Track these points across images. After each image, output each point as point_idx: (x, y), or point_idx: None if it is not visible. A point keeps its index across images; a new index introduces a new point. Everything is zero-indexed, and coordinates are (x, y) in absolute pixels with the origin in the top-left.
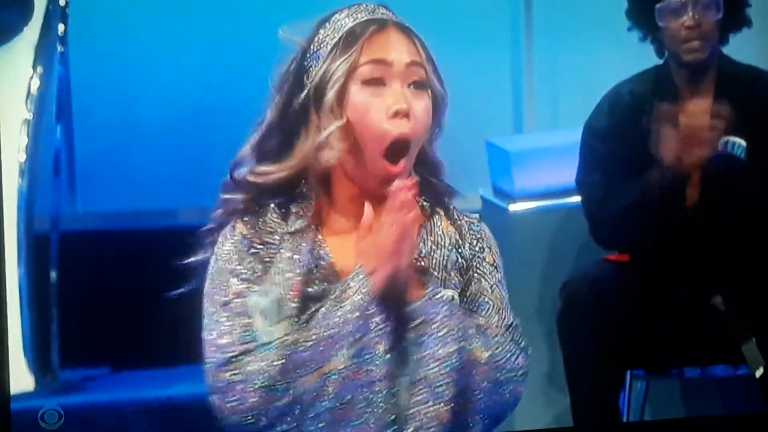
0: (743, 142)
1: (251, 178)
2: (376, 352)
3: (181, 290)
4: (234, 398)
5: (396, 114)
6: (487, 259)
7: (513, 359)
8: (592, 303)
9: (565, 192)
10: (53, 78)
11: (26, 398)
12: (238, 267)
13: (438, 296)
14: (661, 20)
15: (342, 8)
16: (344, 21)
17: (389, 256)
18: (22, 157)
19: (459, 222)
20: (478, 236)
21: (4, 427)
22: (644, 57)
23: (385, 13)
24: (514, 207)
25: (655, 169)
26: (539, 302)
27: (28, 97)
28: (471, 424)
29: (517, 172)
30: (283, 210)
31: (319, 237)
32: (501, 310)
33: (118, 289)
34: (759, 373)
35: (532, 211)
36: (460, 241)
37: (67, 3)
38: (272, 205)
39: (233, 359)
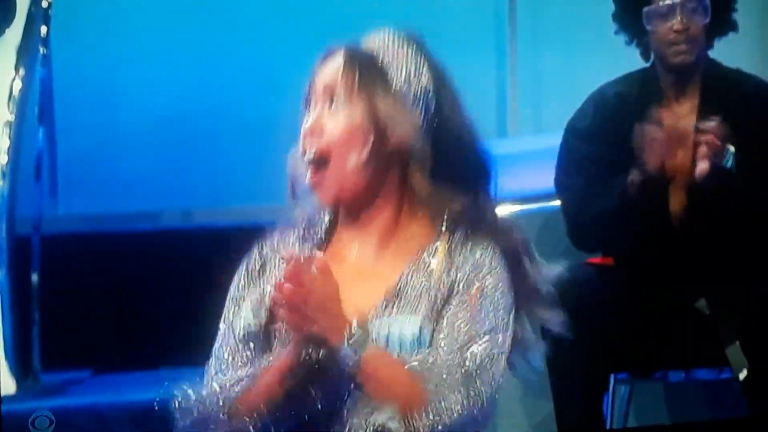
0: (730, 147)
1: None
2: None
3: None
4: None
5: (305, 134)
6: (472, 290)
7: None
8: (576, 307)
9: (549, 196)
10: (35, 80)
11: (8, 401)
12: (235, 292)
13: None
14: (649, 24)
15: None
16: None
17: (297, 316)
18: (4, 159)
19: (458, 248)
20: (475, 264)
21: None
22: (629, 61)
23: (372, 40)
24: (498, 211)
25: (638, 171)
26: None
27: (9, 98)
28: None
29: (500, 175)
30: (306, 232)
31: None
32: (458, 350)
33: (100, 291)
34: (743, 375)
35: (516, 215)
36: (450, 266)
37: (49, 5)
38: (300, 226)
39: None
